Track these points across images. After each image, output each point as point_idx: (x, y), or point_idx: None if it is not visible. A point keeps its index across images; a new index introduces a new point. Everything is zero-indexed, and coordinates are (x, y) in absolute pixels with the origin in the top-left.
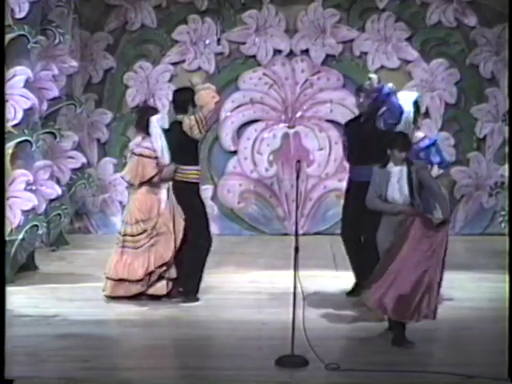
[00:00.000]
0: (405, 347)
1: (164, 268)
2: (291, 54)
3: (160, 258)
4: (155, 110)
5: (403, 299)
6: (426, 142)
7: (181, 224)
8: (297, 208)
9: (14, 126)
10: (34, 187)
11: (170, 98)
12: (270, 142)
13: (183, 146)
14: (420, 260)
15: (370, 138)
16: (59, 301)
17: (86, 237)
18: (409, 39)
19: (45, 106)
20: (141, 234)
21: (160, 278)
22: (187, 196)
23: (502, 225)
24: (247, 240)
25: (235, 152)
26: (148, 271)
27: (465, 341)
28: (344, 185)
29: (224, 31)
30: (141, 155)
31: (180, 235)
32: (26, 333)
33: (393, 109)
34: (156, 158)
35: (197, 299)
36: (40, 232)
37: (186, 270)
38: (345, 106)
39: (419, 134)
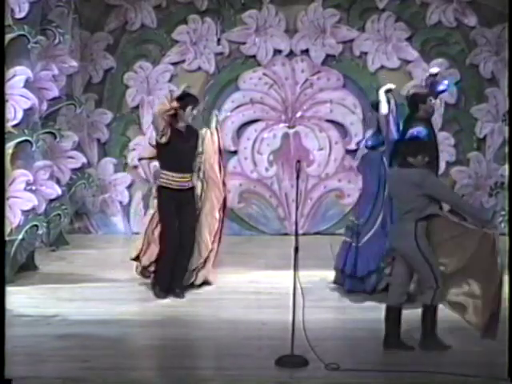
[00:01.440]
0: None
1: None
2: (291, 54)
3: (151, 256)
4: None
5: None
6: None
7: None
8: (297, 208)
9: (14, 126)
10: (33, 187)
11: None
12: (270, 141)
13: (157, 149)
14: None
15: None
16: (59, 301)
17: (86, 237)
18: (409, 39)
19: (45, 106)
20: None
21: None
22: (157, 199)
23: (502, 225)
24: (247, 240)
25: (235, 152)
26: (144, 265)
27: (465, 341)
28: (343, 184)
29: (224, 31)
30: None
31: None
32: (26, 333)
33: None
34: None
35: (164, 296)
36: (40, 232)
37: (159, 268)
38: (345, 105)
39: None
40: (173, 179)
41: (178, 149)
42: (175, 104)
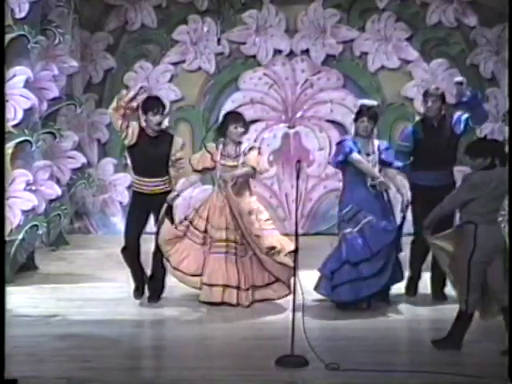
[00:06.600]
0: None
1: None
2: (291, 54)
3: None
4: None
5: None
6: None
7: None
8: (297, 208)
9: (14, 126)
10: (33, 187)
11: (171, 98)
12: (271, 142)
13: (128, 154)
14: None
15: (448, 142)
16: (59, 301)
17: (86, 237)
18: (409, 39)
19: (45, 106)
20: None
21: None
22: (129, 203)
23: (502, 225)
24: None
25: None
26: None
27: (465, 341)
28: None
29: (224, 31)
30: None
31: None
32: (26, 333)
33: (480, 114)
34: None
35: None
36: (40, 232)
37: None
38: (345, 105)
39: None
40: (144, 184)
41: (145, 153)
42: (123, 103)
